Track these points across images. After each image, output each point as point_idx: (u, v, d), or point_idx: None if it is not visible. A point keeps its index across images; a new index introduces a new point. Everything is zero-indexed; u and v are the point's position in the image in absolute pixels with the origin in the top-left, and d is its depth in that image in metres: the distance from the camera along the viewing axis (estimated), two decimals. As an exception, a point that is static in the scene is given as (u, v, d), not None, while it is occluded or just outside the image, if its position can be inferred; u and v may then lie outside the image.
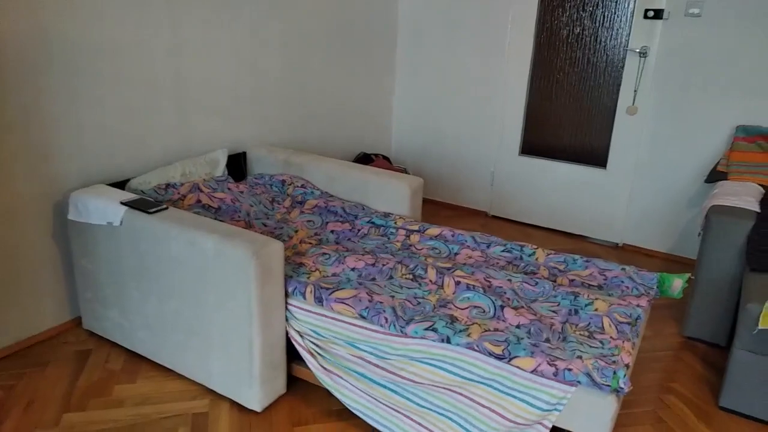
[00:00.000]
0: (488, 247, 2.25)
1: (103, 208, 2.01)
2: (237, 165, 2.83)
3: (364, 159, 3.68)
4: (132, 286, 2.03)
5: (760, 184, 2.70)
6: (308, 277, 1.93)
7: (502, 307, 1.78)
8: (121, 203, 1.99)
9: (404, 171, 3.58)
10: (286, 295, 1.90)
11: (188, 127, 2.63)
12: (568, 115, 3.54)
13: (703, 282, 2.40)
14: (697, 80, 3.06)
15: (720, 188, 2.65)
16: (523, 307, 1.81)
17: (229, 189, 2.49)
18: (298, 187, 2.66)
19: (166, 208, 1.98)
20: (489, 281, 1.94)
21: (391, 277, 1.97)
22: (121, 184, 2.29)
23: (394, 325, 1.72)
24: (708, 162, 3.13)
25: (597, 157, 3.50)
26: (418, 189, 2.55)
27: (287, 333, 1.93)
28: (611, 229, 3.52)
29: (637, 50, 3.19)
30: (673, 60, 3.11)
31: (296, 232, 2.35)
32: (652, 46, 3.15)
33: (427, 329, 1.67)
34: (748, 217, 2.31)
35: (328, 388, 1.87)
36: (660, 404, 2.08)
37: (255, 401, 1.89)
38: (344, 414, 1.94)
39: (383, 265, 2.01)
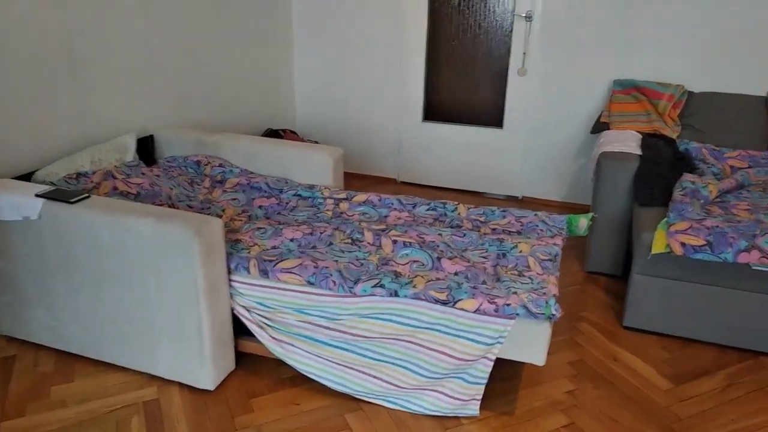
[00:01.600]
0: (414, 207, 2.38)
1: (16, 203, 1.88)
2: (145, 149, 2.73)
3: (272, 135, 3.66)
4: (59, 281, 1.93)
5: (637, 131, 3.05)
6: (248, 252, 1.94)
7: (438, 259, 1.92)
8: (37, 195, 1.87)
9: (316, 144, 3.61)
10: (229, 271, 1.91)
11: (89, 112, 2.49)
12: (465, 79, 3.74)
13: (599, 221, 2.70)
14: (577, 41, 3.36)
15: (605, 137, 2.97)
16: (456, 257, 1.96)
17: (143, 174, 2.40)
18: (215, 166, 2.62)
19: (88, 197, 1.89)
20: (422, 237, 2.07)
21: (330, 244, 2.03)
22: (23, 179, 2.14)
23: (343, 287, 1.79)
24: (592, 114, 3.46)
25: (494, 118, 3.74)
26: (339, 159, 2.61)
27: (233, 309, 1.94)
28: (511, 184, 3.80)
29: (523, 15, 3.43)
30: (556, 23, 3.38)
31: (223, 211, 2.33)
32: (536, 10, 3.40)
33: (374, 286, 1.77)
34: (632, 159, 2.63)
35: (280, 357, 1.92)
36: (575, 331, 2.35)
37: (208, 380, 1.90)
38: (297, 380, 2.00)
39: (321, 233, 2.07)
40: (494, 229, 2.22)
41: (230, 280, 1.91)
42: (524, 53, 3.50)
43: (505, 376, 2.04)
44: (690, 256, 2.09)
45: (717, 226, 2.10)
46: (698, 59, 3.16)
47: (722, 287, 2.17)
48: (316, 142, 3.69)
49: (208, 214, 2.26)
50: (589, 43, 3.34)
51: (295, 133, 3.79)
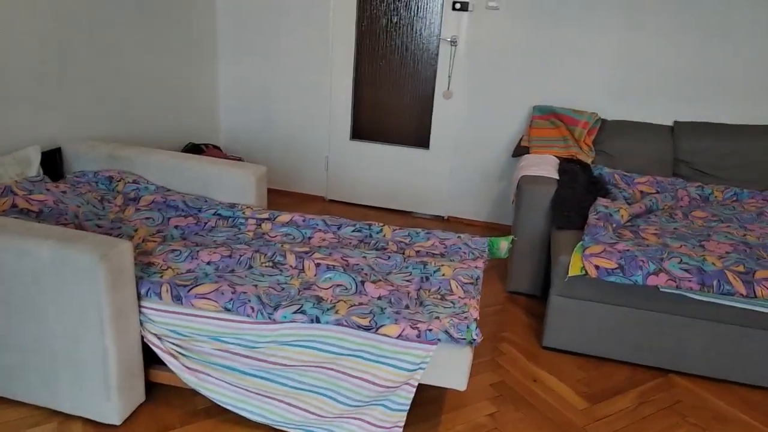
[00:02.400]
0: (339, 228, 2.34)
1: None
2: (52, 163, 2.54)
3: (193, 150, 3.53)
4: (-58, 309, 1.74)
5: (555, 155, 3.17)
6: (161, 276, 1.83)
7: (362, 283, 1.88)
8: None
9: (240, 160, 3.51)
10: (139, 297, 1.79)
11: (-13, 123, 2.29)
12: (392, 100, 3.76)
13: (520, 243, 2.77)
14: (500, 66, 3.47)
15: (525, 161, 3.06)
16: (380, 280, 1.94)
17: (48, 190, 2.23)
18: (129, 183, 2.48)
19: (-20, 216, 1.73)
20: (346, 260, 2.03)
21: (250, 267, 1.96)
22: None
23: (262, 313, 1.72)
24: (514, 138, 3.57)
25: (420, 139, 3.78)
26: (262, 177, 2.54)
27: (143, 338, 1.82)
28: (437, 204, 3.85)
29: (448, 39, 3.50)
30: (480, 48, 3.47)
31: (136, 231, 2.20)
32: (461, 35, 3.48)
33: (295, 312, 1.71)
34: (550, 184, 2.71)
35: (195, 387, 1.82)
36: (497, 352, 2.38)
37: (114, 414, 1.76)
38: (212, 411, 1.90)
39: (240, 255, 1.99)
40: (418, 252, 2.22)
41: (140, 306, 1.79)
42: (449, 76, 3.57)
43: (428, 400, 2.02)
44: (603, 279, 2.17)
45: (628, 250, 2.20)
46: (611, 89, 3.34)
47: (634, 308, 2.26)
48: (240, 158, 3.59)
49: (119, 235, 2.13)
50: (512, 69, 3.45)
51: (218, 148, 3.67)
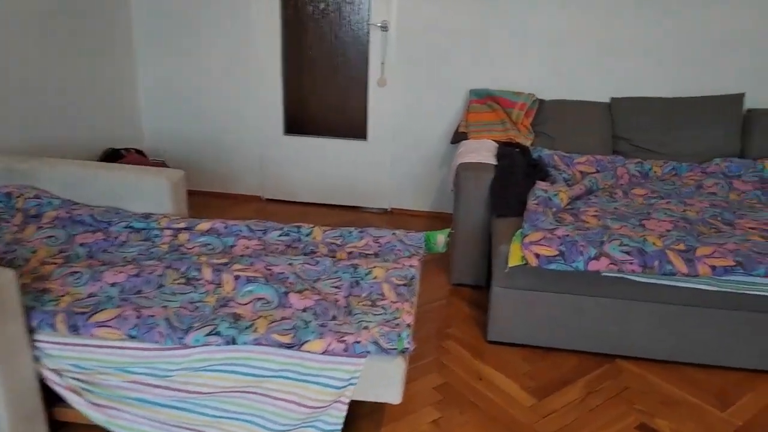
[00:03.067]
0: (265, 233, 2.18)
1: None
2: (-60, 182, 2.28)
3: (113, 156, 3.28)
4: None
5: (494, 140, 3.07)
6: (57, 305, 1.64)
7: (286, 294, 1.73)
8: None
9: (163, 164, 3.28)
10: (31, 330, 1.59)
11: None
12: (325, 90, 3.59)
13: (461, 233, 2.66)
14: (434, 51, 3.34)
15: (463, 147, 2.95)
16: (307, 289, 1.79)
17: (-69, 214, 1.98)
18: (29, 198, 2.24)
19: None
20: (270, 269, 1.87)
21: (161, 286, 1.78)
22: None
23: (171, 338, 1.55)
24: (453, 124, 3.46)
25: (357, 130, 3.63)
26: (180, 182, 2.34)
27: (40, 375, 1.62)
28: (380, 196, 3.71)
29: (379, 24, 3.35)
30: (412, 33, 3.33)
31: (34, 252, 1.98)
32: (392, 20, 3.33)
33: (209, 334, 1.55)
34: (488, 170, 2.61)
35: (103, 425, 1.63)
36: (441, 350, 2.27)
37: (10, 464, 1.56)
38: (129, 447, 1.72)
39: (150, 273, 1.80)
40: (350, 253, 2.07)
41: (34, 340, 1.59)
42: (383, 63, 3.42)
43: (367, 412, 1.89)
44: (545, 267, 2.08)
45: (568, 236, 2.12)
46: (547, 68, 3.26)
47: (578, 294, 2.19)
48: (163, 162, 3.36)
49: (12, 259, 1.91)
50: (446, 52, 3.33)
51: (141, 152, 3.43)
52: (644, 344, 2.19)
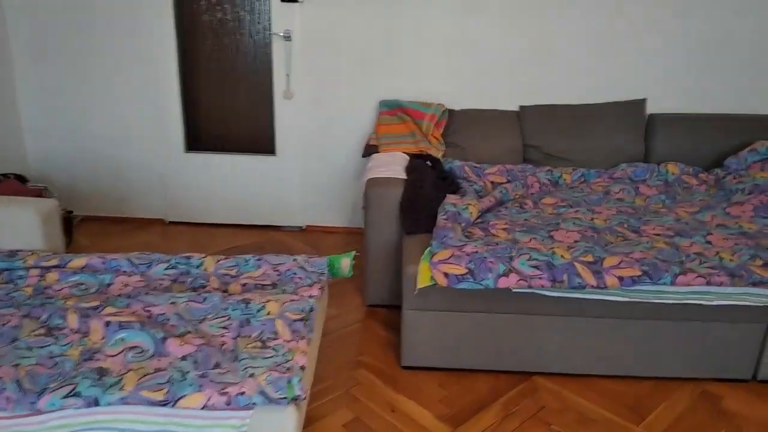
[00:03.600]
0: (149, 267, 1.96)
1: None
2: None
3: (-12, 183, 2.94)
4: None
5: (405, 152, 2.97)
6: None
7: (164, 340, 1.54)
8: None
9: (42, 192, 2.97)
10: None
11: None
12: (229, 104, 3.39)
13: (373, 251, 2.54)
14: (341, 60, 3.21)
15: (373, 161, 2.83)
16: (189, 332, 1.60)
17: None
18: None
19: None
20: (149, 310, 1.67)
21: (14, 340, 1.53)
22: None
23: (21, 404, 1.32)
24: (365, 137, 3.34)
25: (265, 145, 3.45)
26: (51, 214, 2.09)
27: None
28: (293, 213, 3.54)
29: (281, 34, 3.19)
30: (317, 42, 3.19)
31: None
32: (295, 29, 3.18)
33: (67, 396, 1.33)
34: (398, 185, 2.50)
35: None
36: (352, 382, 2.13)
37: None
38: None
39: (2, 325, 1.56)
40: (245, 285, 1.90)
41: None
42: (288, 75, 3.26)
43: (269, 461, 1.72)
44: (454, 287, 1.99)
45: (476, 252, 2.03)
46: (456, 77, 3.20)
47: (490, 313, 2.10)
48: (44, 190, 3.04)
49: None
50: (354, 62, 3.21)
51: (21, 177, 3.10)
52: (559, 359, 2.14)
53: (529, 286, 1.98)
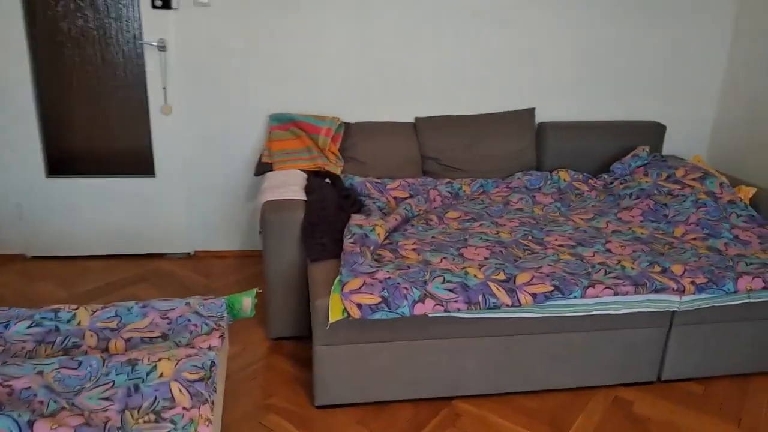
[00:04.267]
0: (6, 327, 1.63)
1: None
2: None
3: None
4: None
5: (302, 170, 2.79)
6: None
7: (31, 424, 1.25)
8: None
9: None
10: None
11: None
12: (98, 122, 3.01)
13: (274, 280, 2.34)
14: (225, 71, 2.96)
15: (268, 181, 2.63)
16: (64, 408, 1.32)
17: None
18: None
19: None
20: (8, 385, 1.36)
21: None
22: None
23: None
24: (256, 153, 3.11)
25: (143, 165, 3.10)
26: None
27: None
28: (179, 239, 3.22)
29: (154, 44, 2.88)
30: (196, 52, 2.92)
31: None
32: (170, 38, 2.88)
33: None
34: (298, 207, 2.32)
35: None
36: (261, 430, 1.92)
37: None
38: None
39: None
40: (129, 340, 1.63)
41: None
42: (164, 88, 2.95)
43: None
44: (368, 318, 1.86)
45: (389, 278, 1.91)
46: (350, 89, 3.07)
47: (406, 341, 2.00)
48: None
49: None
50: (239, 74, 2.97)
51: None
52: (477, 381, 2.08)
53: (446, 311, 1.90)
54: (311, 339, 2.41)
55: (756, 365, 2.22)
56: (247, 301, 1.82)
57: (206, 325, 1.71)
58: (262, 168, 2.86)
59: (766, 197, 2.61)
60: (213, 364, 1.51)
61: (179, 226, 3.19)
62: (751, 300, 2.06)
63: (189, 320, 1.72)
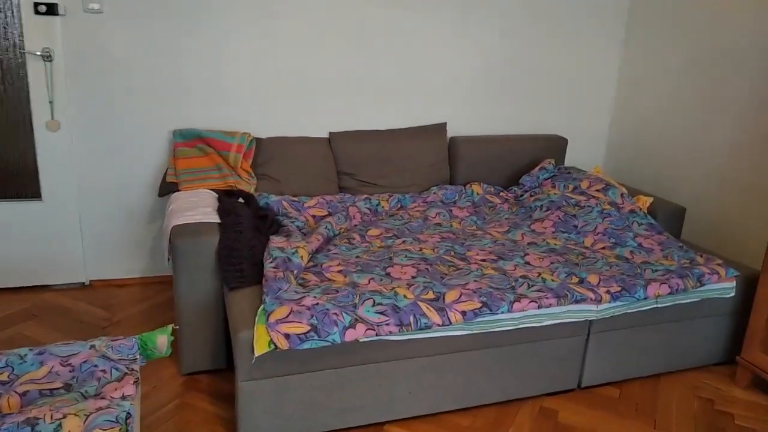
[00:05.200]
0: None
1: None
2: None
3: None
4: None
5: (212, 189, 2.63)
6: None
7: None
8: None
9: None
10: None
11: None
12: (-31, 140, 2.66)
13: (186, 310, 2.17)
14: (120, 84, 2.73)
15: (175, 203, 2.44)
16: (-55, 489, 1.11)
17: None
18: None
19: None
20: None
21: None
22: None
23: None
24: (160, 172, 2.89)
25: (26, 187, 2.78)
26: None
27: None
28: (72, 268, 2.91)
29: (38, 53, 2.59)
30: (87, 63, 2.67)
31: None
32: (56, 47, 2.61)
33: None
34: (211, 231, 2.17)
35: None
36: (183, 479, 1.76)
37: None
38: None
39: None
40: (25, 394, 1.42)
41: None
42: (51, 101, 2.67)
43: None
44: (297, 348, 1.76)
45: (317, 304, 1.83)
46: (259, 101, 2.94)
47: (336, 368, 1.91)
48: None
49: None
50: (139, 87, 2.75)
51: None
52: (408, 403, 2.04)
53: (377, 335, 1.84)
54: (230, 372, 2.27)
55: (663, 366, 2.36)
56: (162, 339, 1.66)
57: (117, 370, 1.53)
58: (167, 188, 2.66)
59: (662, 206, 2.81)
60: (129, 415, 1.35)
61: (71, 254, 2.89)
62: (659, 305, 2.19)
63: (96, 366, 1.53)
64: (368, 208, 2.81)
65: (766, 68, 2.65)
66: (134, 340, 1.64)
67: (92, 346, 1.60)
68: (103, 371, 1.52)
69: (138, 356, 1.60)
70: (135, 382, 1.49)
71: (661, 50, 3.22)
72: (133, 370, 1.54)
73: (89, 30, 2.63)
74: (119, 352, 1.59)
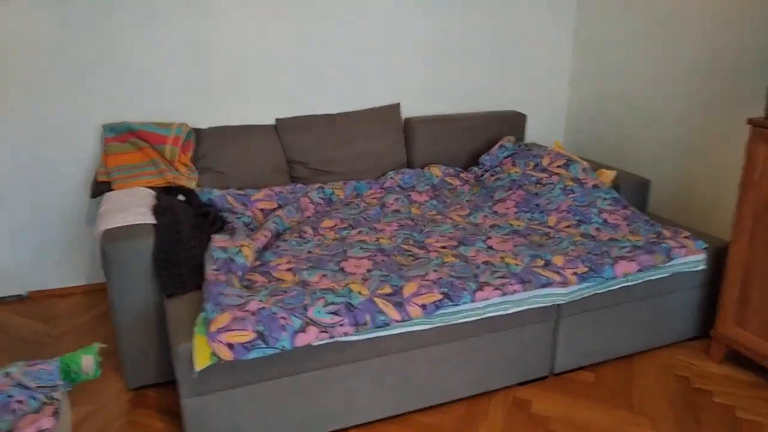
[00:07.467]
0: None
1: None
2: None
3: None
4: None
5: (148, 187, 2.43)
6: None
7: None
8: None
9: None
10: None
11: None
12: None
13: (125, 321, 1.98)
14: (38, 76, 2.49)
15: (106, 204, 2.24)
16: None
17: None
18: None
19: None
20: None
21: None
22: None
23: None
24: (91, 171, 2.66)
25: (-56, 197, 2.53)
26: None
27: None
28: (7, 280, 2.68)
29: (-57, 46, 2.33)
30: (2, 52, 2.41)
31: None
32: (-37, 39, 2.35)
33: None
34: (145, 233, 1.98)
35: None
36: None
37: None
38: None
39: None
40: None
41: None
42: (-37, 100, 2.41)
43: None
44: (243, 358, 1.60)
45: (263, 308, 1.67)
46: (196, 89, 2.73)
47: (291, 375, 1.76)
48: None
49: None
50: (59, 78, 2.51)
51: None
52: (372, 405, 1.90)
53: (331, 337, 1.70)
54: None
55: (637, 345, 2.28)
56: (87, 360, 1.48)
57: (34, 399, 1.35)
58: (99, 188, 2.45)
59: (625, 179, 2.72)
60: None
61: (6, 264, 2.65)
62: (628, 283, 2.10)
63: (11, 396, 1.35)
64: (322, 198, 2.65)
65: (716, 30, 2.56)
66: (55, 363, 1.46)
67: (7, 374, 1.41)
68: (19, 402, 1.34)
69: (60, 382, 1.42)
70: (55, 413, 1.31)
71: (614, 15, 3.12)
72: (53, 399, 1.36)
73: (4, 18, 2.37)
74: (38, 378, 1.41)
